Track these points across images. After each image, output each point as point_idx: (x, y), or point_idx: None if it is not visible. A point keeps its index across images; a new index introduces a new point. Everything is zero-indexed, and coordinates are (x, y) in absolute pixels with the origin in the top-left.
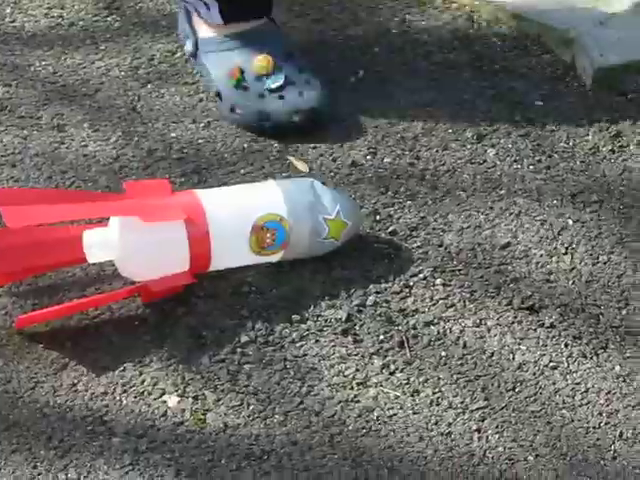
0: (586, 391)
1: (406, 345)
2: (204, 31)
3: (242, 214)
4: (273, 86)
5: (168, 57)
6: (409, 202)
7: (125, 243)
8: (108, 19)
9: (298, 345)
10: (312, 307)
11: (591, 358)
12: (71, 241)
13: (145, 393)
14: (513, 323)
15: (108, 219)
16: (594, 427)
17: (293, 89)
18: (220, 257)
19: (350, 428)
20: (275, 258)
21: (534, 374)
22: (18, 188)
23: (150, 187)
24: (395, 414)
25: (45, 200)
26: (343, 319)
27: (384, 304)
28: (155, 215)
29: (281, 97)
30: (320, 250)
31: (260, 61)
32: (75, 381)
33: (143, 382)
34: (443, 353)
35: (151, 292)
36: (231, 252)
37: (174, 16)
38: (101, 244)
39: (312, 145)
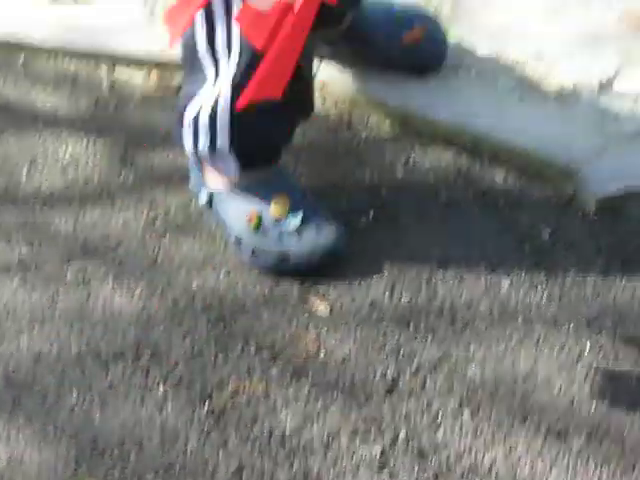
0: None
1: None
2: (217, 183)
3: None
4: (291, 228)
5: (184, 209)
6: (430, 336)
7: None
8: (122, 173)
9: None
10: (347, 446)
11: None
12: None
13: None
14: (542, 450)
15: None
16: None
17: (310, 229)
18: None
19: None
20: None
21: None
22: None
23: None
24: None
25: None
26: (377, 455)
27: (415, 438)
28: None
29: (299, 238)
30: None
31: (277, 204)
32: None
33: None
34: None
35: None
36: None
37: (186, 169)
38: None
39: (332, 285)
